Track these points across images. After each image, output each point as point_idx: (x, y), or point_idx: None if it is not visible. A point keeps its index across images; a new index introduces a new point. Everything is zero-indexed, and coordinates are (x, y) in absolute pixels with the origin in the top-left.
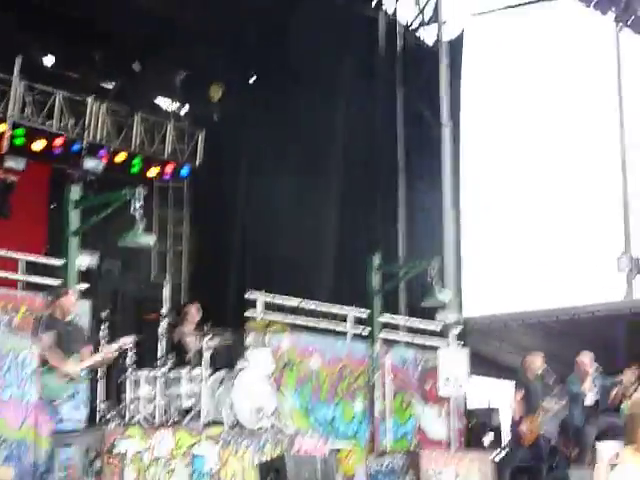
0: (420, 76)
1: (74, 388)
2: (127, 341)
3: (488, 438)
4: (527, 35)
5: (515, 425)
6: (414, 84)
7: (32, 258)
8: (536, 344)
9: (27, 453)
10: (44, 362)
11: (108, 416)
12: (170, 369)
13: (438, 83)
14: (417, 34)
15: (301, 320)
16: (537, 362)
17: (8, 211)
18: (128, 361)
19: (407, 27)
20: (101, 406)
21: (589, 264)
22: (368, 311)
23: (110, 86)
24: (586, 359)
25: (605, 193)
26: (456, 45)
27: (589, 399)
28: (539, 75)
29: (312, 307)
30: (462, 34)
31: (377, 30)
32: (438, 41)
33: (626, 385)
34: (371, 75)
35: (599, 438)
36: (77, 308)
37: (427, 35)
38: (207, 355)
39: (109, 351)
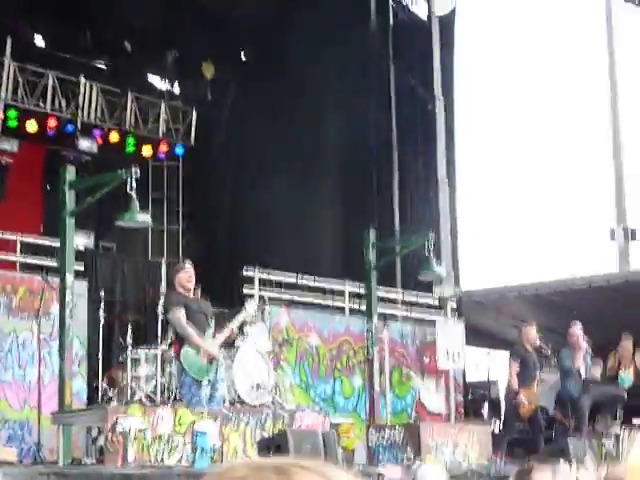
0: (412, 51)
1: (212, 369)
2: (251, 311)
3: (486, 410)
4: (518, 7)
5: (512, 396)
6: (406, 59)
7: (29, 239)
8: (532, 316)
9: (30, 433)
10: (181, 341)
11: (109, 394)
12: (170, 346)
13: (431, 57)
14: (409, 8)
15: (298, 296)
16: (533, 333)
17: (3, 193)
18: (128, 339)
19: (399, 2)
20: (102, 385)
21: (583, 235)
22: (365, 286)
23: (102, 66)
24: (577, 330)
25: (598, 164)
26: (448, 19)
27: (582, 371)
28: (531, 48)
29: (309, 283)
30: (454, 8)
31: (369, 4)
32: (430, 15)
33: (622, 354)
34: (363, 50)
35: (595, 409)
36: (193, 282)
37: (419, 10)
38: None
39: (234, 326)
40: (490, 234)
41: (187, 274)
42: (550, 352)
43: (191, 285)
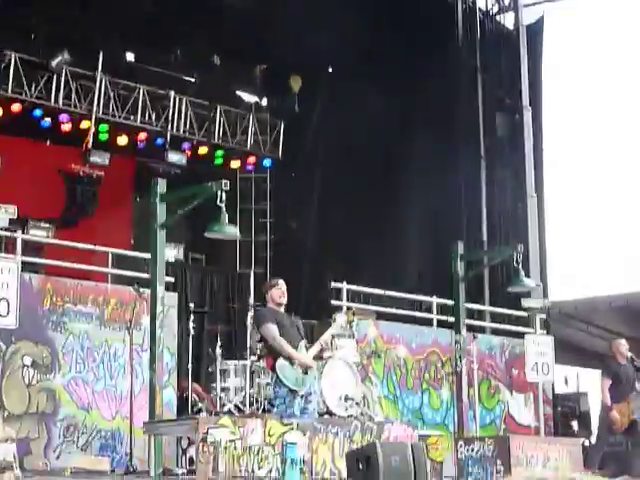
0: (500, 62)
1: (309, 380)
2: (341, 323)
3: (577, 423)
4: (607, 19)
5: (606, 411)
6: (494, 69)
7: (120, 252)
8: (624, 328)
9: (121, 443)
10: (277, 353)
11: (200, 405)
12: (259, 358)
13: (518, 68)
14: (496, 19)
15: (386, 309)
16: (624, 345)
17: (94, 208)
18: (217, 350)
19: (486, 13)
20: (192, 396)
21: None
22: (453, 298)
23: (191, 79)
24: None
25: None
26: (536, 30)
27: None
28: (618, 61)
29: (397, 294)
30: (541, 18)
31: (456, 16)
32: (517, 26)
33: None
34: (453, 62)
35: None
36: (285, 298)
37: (506, 20)
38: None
39: (325, 340)
40: (579, 245)
41: (280, 290)
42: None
43: (283, 301)
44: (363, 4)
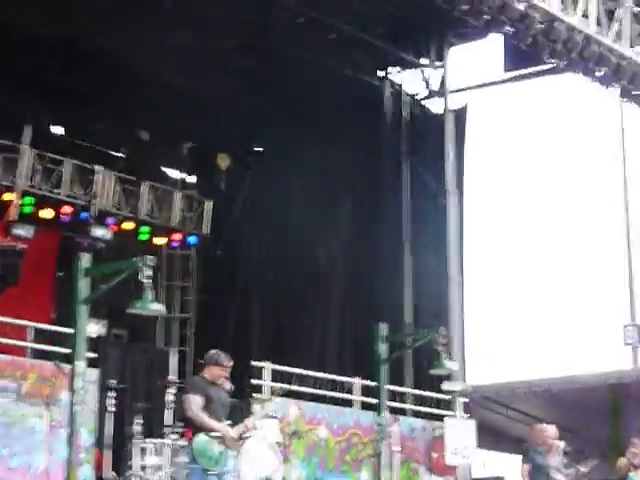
0: (426, 146)
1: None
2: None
3: None
4: (531, 107)
5: None
6: (420, 153)
7: (42, 326)
8: (543, 413)
9: None
10: (197, 428)
11: None
12: (179, 436)
13: (443, 152)
14: (422, 104)
15: (308, 390)
16: (546, 432)
17: (15, 279)
18: (136, 428)
19: (412, 97)
20: (110, 473)
21: (595, 333)
22: (375, 380)
23: (119, 154)
24: (552, 432)
25: (610, 263)
26: (461, 115)
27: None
28: (542, 147)
29: (319, 376)
30: (466, 105)
31: (382, 99)
32: (444, 111)
33: (634, 454)
34: (377, 145)
35: None
36: (222, 381)
37: (432, 105)
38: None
39: (249, 423)
40: (499, 329)
41: (223, 371)
42: (568, 449)
43: (220, 382)
44: (293, 83)
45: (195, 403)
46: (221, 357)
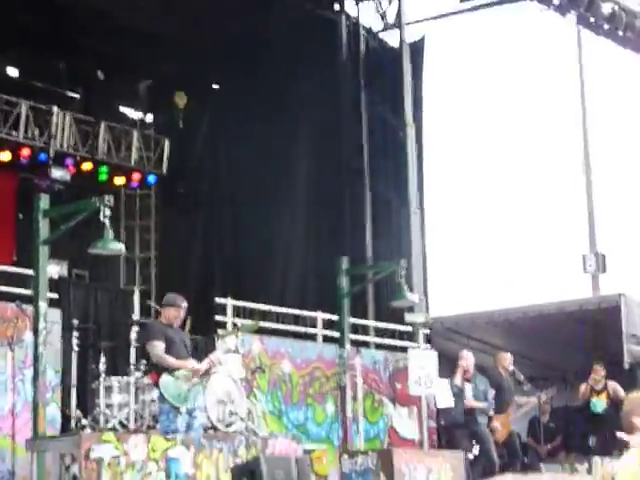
0: (383, 78)
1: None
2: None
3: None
4: (488, 38)
5: (487, 422)
6: (377, 86)
7: (2, 267)
8: (503, 342)
9: (3, 461)
10: (162, 369)
11: (83, 422)
12: (144, 374)
13: (401, 85)
14: (379, 37)
15: (271, 325)
16: (508, 358)
17: None
18: (101, 367)
19: (369, 30)
20: (75, 412)
21: (555, 263)
22: (337, 313)
23: (75, 95)
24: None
25: (569, 193)
26: (418, 47)
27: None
28: (500, 78)
29: (282, 311)
30: (423, 37)
31: (340, 32)
32: (401, 43)
33: (595, 380)
34: (335, 79)
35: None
36: (178, 322)
37: (389, 38)
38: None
39: (215, 357)
40: (460, 261)
41: (178, 312)
42: (522, 377)
43: (176, 323)
44: (247, 20)
45: (158, 348)
46: (177, 298)
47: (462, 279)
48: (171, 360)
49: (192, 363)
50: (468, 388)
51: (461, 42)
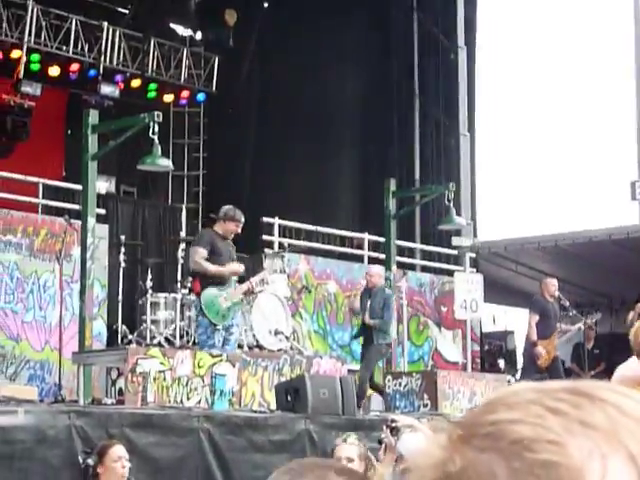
0: (435, 1)
1: (230, 315)
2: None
3: (503, 361)
4: None
5: (530, 347)
6: (430, 8)
7: (51, 182)
8: (551, 268)
9: (50, 373)
10: (205, 281)
11: (129, 337)
12: (189, 292)
13: (454, 7)
14: None
15: (318, 245)
16: (554, 284)
17: (26, 135)
18: (148, 283)
19: None
20: (122, 327)
21: (603, 190)
22: (384, 235)
23: (125, 11)
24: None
25: (619, 119)
26: None
27: None
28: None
29: (328, 232)
30: None
31: None
32: None
33: None
34: (386, 2)
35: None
36: (232, 236)
37: None
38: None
39: (255, 281)
40: (509, 185)
41: (237, 227)
42: (569, 304)
43: (229, 237)
44: None
45: (198, 254)
46: (237, 213)
47: (510, 204)
48: (209, 266)
49: (230, 267)
50: (367, 304)
51: None
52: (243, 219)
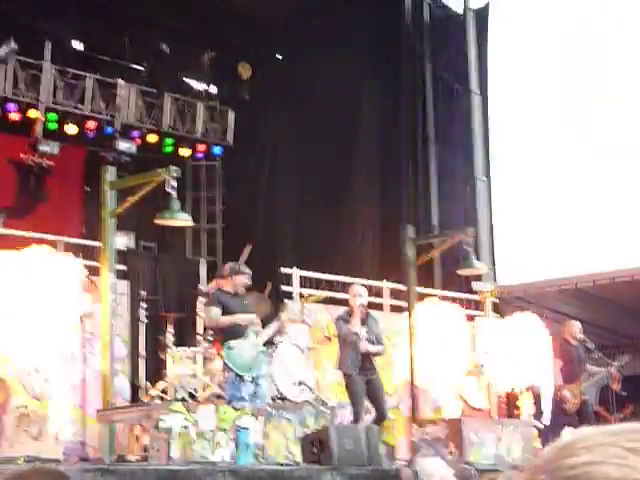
0: (448, 46)
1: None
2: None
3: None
4: (554, 5)
5: (556, 392)
6: (441, 55)
7: (71, 240)
8: (574, 310)
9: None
10: (224, 339)
11: (151, 393)
12: (211, 344)
13: (466, 52)
14: (443, 3)
15: (337, 295)
16: (577, 326)
17: (46, 195)
18: (169, 337)
19: None
20: (145, 383)
21: (623, 229)
22: (405, 283)
23: (140, 67)
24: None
25: None
26: (482, 14)
27: None
28: (567, 45)
29: (348, 281)
30: (487, 3)
31: (403, 2)
32: (464, 10)
33: None
34: (397, 48)
35: None
36: (243, 289)
37: (453, 4)
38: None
39: (277, 327)
40: (528, 228)
41: (247, 278)
42: (593, 346)
43: (241, 290)
44: None
45: (213, 312)
46: (241, 266)
47: (529, 247)
48: (224, 319)
49: (242, 317)
50: (363, 331)
51: (527, 7)
52: (247, 269)
